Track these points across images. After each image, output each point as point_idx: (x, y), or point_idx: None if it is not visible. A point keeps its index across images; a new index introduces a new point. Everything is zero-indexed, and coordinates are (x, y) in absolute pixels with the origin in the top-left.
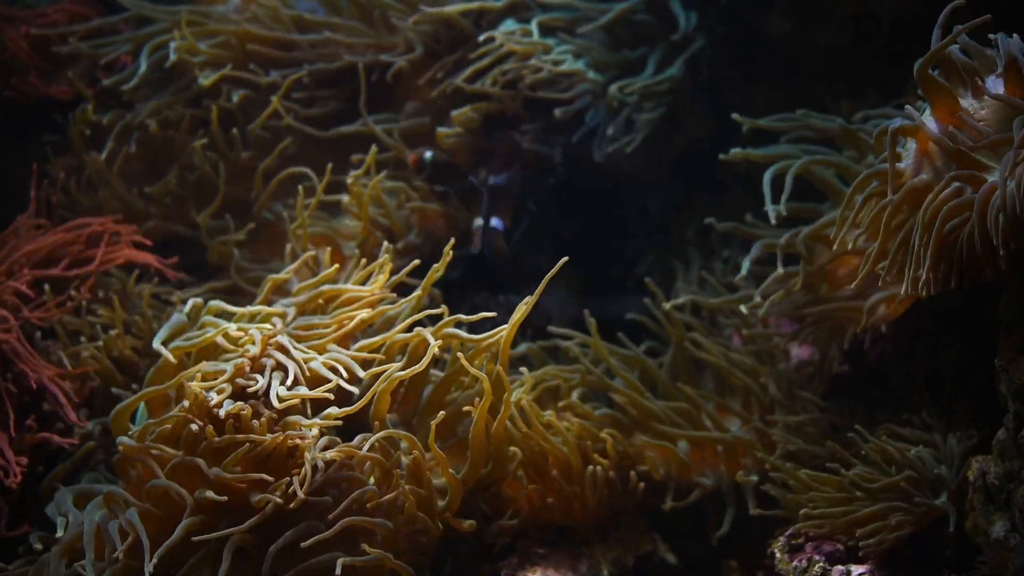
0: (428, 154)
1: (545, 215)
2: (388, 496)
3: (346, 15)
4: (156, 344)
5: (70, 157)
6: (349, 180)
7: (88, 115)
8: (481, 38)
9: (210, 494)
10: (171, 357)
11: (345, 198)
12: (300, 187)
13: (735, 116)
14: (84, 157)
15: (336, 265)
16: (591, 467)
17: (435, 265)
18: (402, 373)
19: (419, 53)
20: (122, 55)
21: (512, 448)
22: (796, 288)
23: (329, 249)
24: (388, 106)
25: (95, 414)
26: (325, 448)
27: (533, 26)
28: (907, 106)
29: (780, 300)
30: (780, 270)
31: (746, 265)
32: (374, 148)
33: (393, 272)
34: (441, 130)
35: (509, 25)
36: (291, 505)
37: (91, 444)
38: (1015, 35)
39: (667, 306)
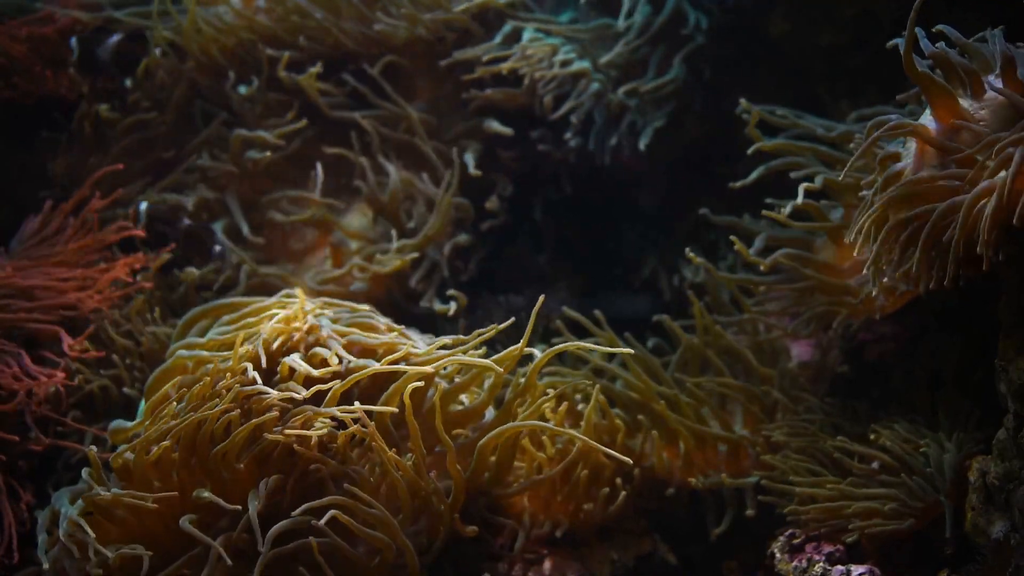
0: None
1: (546, 216)
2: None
3: (346, 13)
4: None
5: (71, 156)
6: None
7: (92, 115)
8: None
9: (208, 495)
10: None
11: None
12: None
13: (743, 102)
14: (89, 158)
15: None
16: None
17: None
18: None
19: (422, 49)
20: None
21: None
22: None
23: (328, 249)
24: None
25: (94, 417)
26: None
27: (530, 32)
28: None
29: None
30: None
31: (757, 244)
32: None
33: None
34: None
35: (528, 34)
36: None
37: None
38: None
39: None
